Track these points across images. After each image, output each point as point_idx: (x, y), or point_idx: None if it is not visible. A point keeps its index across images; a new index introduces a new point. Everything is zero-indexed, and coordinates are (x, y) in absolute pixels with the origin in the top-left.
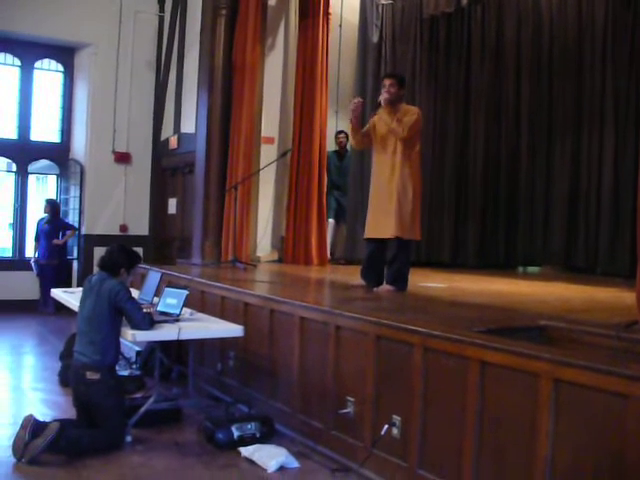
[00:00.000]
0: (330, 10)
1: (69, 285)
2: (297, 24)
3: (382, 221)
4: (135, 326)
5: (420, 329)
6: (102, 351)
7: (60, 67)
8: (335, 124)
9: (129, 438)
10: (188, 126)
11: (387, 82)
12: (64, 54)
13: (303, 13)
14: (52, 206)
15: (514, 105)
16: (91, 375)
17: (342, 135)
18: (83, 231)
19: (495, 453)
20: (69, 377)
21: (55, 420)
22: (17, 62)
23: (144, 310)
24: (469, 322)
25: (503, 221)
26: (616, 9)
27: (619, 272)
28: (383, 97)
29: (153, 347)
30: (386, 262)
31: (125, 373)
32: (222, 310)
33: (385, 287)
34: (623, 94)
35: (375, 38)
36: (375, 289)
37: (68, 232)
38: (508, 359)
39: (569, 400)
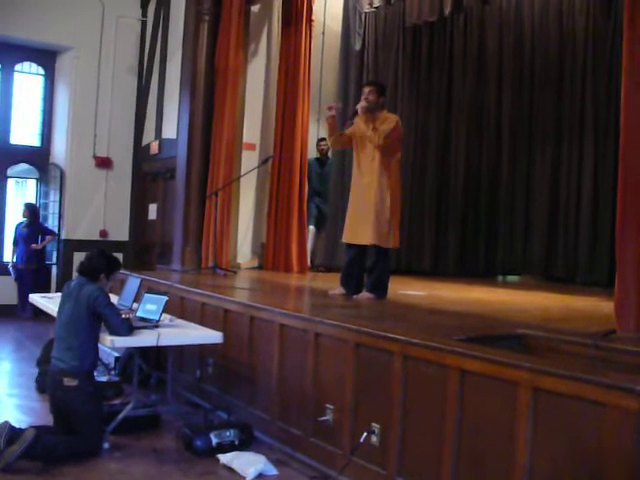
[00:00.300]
0: (313, 17)
1: (48, 290)
2: (280, 31)
3: (360, 228)
4: (114, 332)
5: (400, 337)
6: (80, 357)
7: (41, 70)
8: (317, 131)
9: (107, 445)
10: (169, 131)
11: (366, 89)
12: (45, 57)
13: (286, 20)
14: (31, 210)
15: (495, 114)
16: (69, 381)
17: (324, 142)
18: (63, 236)
19: (474, 461)
20: (46, 383)
21: (31, 426)
22: None
23: (123, 316)
24: (449, 330)
25: (483, 230)
26: (597, 20)
27: (598, 281)
28: (361, 105)
29: (132, 353)
30: (366, 269)
31: (103, 379)
32: (202, 316)
33: (365, 295)
34: (603, 105)
35: (358, 46)
36: (355, 297)
37: (47, 237)
38: (487, 367)
39: (548, 408)
